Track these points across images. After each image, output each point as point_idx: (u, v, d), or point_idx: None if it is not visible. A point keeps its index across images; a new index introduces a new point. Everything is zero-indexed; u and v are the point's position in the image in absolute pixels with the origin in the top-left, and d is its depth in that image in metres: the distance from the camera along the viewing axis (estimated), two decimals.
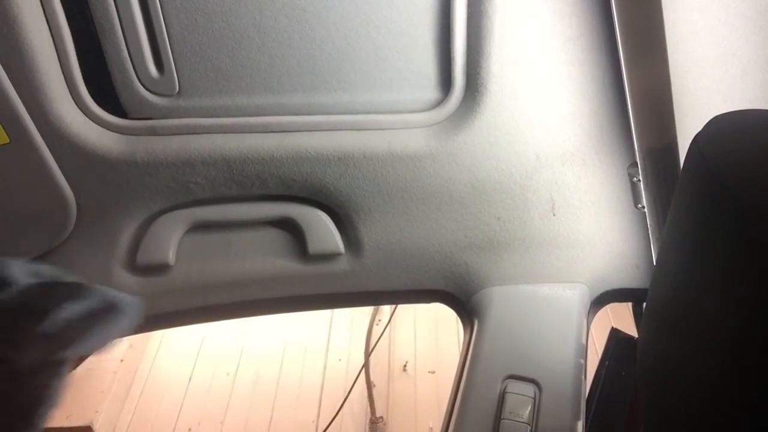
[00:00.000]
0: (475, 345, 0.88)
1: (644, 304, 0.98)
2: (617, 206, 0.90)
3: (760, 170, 0.39)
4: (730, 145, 0.43)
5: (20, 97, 0.72)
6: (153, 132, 0.81)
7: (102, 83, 0.78)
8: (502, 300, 0.93)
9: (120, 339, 0.75)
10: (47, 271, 0.79)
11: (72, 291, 0.75)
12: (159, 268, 0.90)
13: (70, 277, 0.75)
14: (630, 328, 1.03)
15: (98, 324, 0.73)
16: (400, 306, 2.39)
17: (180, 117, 0.81)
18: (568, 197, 0.88)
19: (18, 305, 0.71)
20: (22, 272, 0.77)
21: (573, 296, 0.92)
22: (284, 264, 0.93)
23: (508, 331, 0.89)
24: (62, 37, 0.73)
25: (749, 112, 0.47)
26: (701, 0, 0.70)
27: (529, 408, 0.80)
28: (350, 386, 2.27)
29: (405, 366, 2.49)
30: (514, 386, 0.82)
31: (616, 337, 1.00)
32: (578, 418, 0.79)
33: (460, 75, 0.80)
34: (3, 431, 0.66)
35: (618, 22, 0.68)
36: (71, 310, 0.73)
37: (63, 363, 0.71)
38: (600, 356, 0.99)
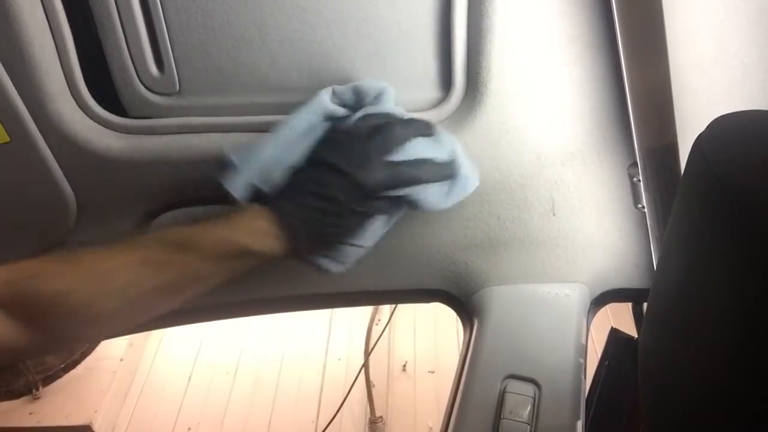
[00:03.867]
0: (474, 345, 0.88)
1: (645, 305, 0.98)
2: (617, 206, 0.90)
3: (763, 172, 0.39)
4: (734, 146, 0.42)
5: (20, 96, 0.72)
6: (153, 131, 0.81)
7: (102, 82, 0.78)
8: (502, 300, 0.92)
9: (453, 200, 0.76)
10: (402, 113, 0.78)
11: (425, 131, 0.75)
12: None
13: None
14: (630, 328, 1.03)
15: (438, 176, 0.74)
16: (399, 306, 2.39)
17: (180, 116, 0.81)
18: (569, 197, 0.88)
19: (370, 132, 0.72)
20: (383, 109, 0.77)
21: (573, 296, 0.92)
22: (283, 263, 0.93)
23: (508, 330, 0.89)
24: (62, 35, 0.73)
25: (753, 113, 0.47)
26: None
27: (529, 408, 0.80)
28: (350, 386, 2.27)
29: (404, 366, 2.49)
30: (513, 386, 0.82)
31: (615, 337, 1.00)
32: (578, 418, 0.79)
33: (461, 74, 0.80)
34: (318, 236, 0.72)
35: (618, 22, 0.68)
36: (418, 152, 0.73)
37: (394, 205, 0.74)
38: (600, 356, 0.99)
